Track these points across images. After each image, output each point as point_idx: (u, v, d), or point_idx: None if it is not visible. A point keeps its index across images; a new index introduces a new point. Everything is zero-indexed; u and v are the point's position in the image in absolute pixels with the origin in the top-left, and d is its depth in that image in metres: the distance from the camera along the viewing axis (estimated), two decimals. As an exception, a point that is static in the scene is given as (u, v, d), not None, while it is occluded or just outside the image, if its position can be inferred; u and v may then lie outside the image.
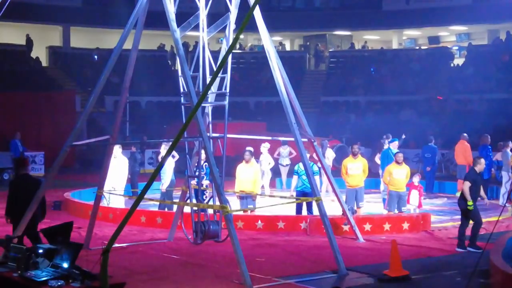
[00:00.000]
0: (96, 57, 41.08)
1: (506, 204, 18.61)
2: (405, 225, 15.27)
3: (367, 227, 14.96)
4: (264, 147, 20.91)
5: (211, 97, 12.55)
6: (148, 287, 10.62)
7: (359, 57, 44.74)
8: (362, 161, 16.67)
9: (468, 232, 13.43)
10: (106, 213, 16.61)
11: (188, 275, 11.28)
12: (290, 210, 16.34)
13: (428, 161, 22.49)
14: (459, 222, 13.72)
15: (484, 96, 34.98)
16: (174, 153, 17.09)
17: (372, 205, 19.10)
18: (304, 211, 16.22)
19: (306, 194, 15.54)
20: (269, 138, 21.09)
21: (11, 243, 8.60)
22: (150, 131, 31.93)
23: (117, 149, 16.72)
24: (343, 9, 45.04)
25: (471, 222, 13.45)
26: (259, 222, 15.46)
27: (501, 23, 39.93)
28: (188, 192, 12.77)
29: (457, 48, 44.85)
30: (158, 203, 16.99)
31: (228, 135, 12.36)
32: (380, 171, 19.35)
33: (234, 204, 14.87)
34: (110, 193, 16.48)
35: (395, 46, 46.84)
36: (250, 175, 15.83)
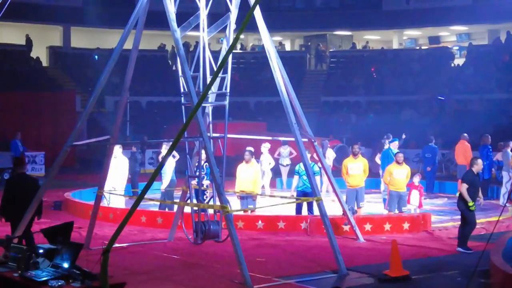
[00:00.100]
0: (96, 57, 41.08)
1: (507, 204, 18.62)
2: (406, 225, 15.27)
3: (368, 227, 14.96)
4: (265, 147, 20.90)
5: (211, 97, 12.55)
6: (149, 287, 10.62)
7: (360, 57, 44.74)
8: (362, 161, 16.67)
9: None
10: (106, 213, 16.61)
11: (189, 275, 11.28)
12: (290, 210, 16.34)
13: (429, 161, 22.49)
14: (459, 222, 13.70)
15: (485, 96, 34.98)
16: (174, 153, 17.09)
17: (373, 205, 19.10)
18: (305, 211, 16.22)
19: (307, 194, 15.53)
20: (270, 138, 21.09)
21: (11, 243, 8.60)
22: (151, 131, 31.93)
23: (117, 149, 16.72)
24: (343, 9, 45.05)
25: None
26: (260, 222, 15.46)
27: (501, 23, 39.92)
28: (188, 192, 12.77)
29: (457, 48, 44.86)
30: (158, 203, 17.00)
31: (229, 135, 12.36)
32: (381, 171, 19.35)
33: (234, 204, 14.87)
34: (111, 193, 16.48)
35: (395, 46, 46.85)
36: (251, 175, 15.83)
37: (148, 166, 29.31)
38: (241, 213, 15.32)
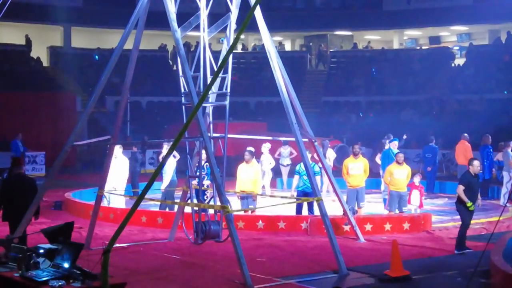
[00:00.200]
0: (97, 57, 41.10)
1: (507, 204, 18.62)
2: (406, 225, 15.27)
3: (368, 227, 14.96)
4: (265, 147, 20.90)
5: (212, 97, 12.55)
6: (149, 287, 10.63)
7: (360, 57, 44.73)
8: (363, 161, 16.67)
9: (468, 232, 13.41)
10: (107, 213, 16.61)
11: (189, 275, 11.29)
12: (291, 210, 16.34)
13: (429, 161, 22.48)
14: (460, 223, 13.69)
15: (485, 96, 34.98)
16: (175, 153, 17.09)
17: (373, 205, 19.10)
18: (305, 211, 16.22)
19: (307, 194, 15.53)
20: (270, 138, 21.09)
21: (11, 243, 8.60)
22: (151, 131, 31.94)
23: (117, 149, 16.72)
24: (343, 9, 45.05)
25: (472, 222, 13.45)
26: (260, 222, 15.46)
27: (502, 23, 39.92)
28: (189, 192, 12.77)
29: (458, 48, 44.86)
30: (158, 203, 17.00)
31: (229, 135, 12.36)
32: (381, 171, 19.36)
33: (235, 204, 14.87)
34: (111, 193, 16.48)
35: (396, 46, 46.85)
36: (251, 175, 15.82)
37: (148, 166, 29.32)
38: (242, 213, 15.32)
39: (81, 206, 17.85)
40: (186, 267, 11.88)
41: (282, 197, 15.73)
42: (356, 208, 16.29)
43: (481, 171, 19.94)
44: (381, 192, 19.62)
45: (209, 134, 11.98)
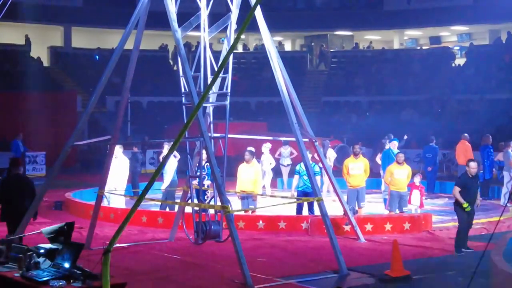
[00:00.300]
0: (97, 57, 41.11)
1: (508, 204, 18.61)
2: (406, 225, 15.27)
3: (368, 227, 14.96)
4: (265, 147, 20.90)
5: (212, 97, 12.55)
6: (149, 287, 10.63)
7: (360, 57, 44.74)
8: (363, 161, 16.67)
9: (469, 232, 13.42)
10: (107, 213, 16.62)
11: (189, 275, 11.29)
12: (291, 210, 16.34)
13: (429, 161, 22.48)
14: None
15: (485, 96, 34.97)
16: (175, 153, 17.09)
17: (373, 205, 19.10)
18: (305, 211, 16.22)
19: (307, 194, 15.54)
20: (270, 138, 21.10)
21: (12, 243, 8.60)
22: (151, 131, 31.94)
23: (118, 149, 16.72)
24: (344, 9, 45.03)
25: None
26: (260, 222, 15.46)
27: (502, 23, 39.90)
28: (189, 192, 12.77)
29: (458, 48, 44.84)
30: (159, 203, 17.00)
31: (229, 135, 12.37)
32: (381, 171, 19.35)
33: (235, 204, 14.87)
34: (111, 193, 16.48)
35: (396, 46, 46.84)
36: (251, 175, 15.82)
37: (149, 166, 29.34)
38: (242, 213, 15.32)
39: (81, 206, 17.85)
40: (187, 267, 11.88)
41: (282, 197, 15.73)
42: (356, 208, 16.29)
43: (481, 171, 20.00)
44: (382, 192, 19.61)
45: (209, 134, 11.98)
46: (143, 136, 28.96)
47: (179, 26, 11.92)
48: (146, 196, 8.23)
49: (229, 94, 12.32)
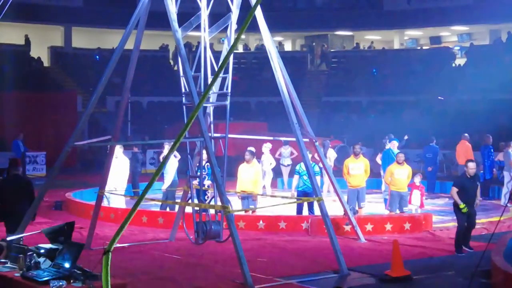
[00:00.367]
0: (97, 57, 41.11)
1: (508, 204, 18.60)
2: (407, 225, 15.27)
3: (369, 227, 14.96)
4: (266, 147, 20.89)
5: (212, 97, 12.55)
6: (150, 287, 10.63)
7: (361, 57, 44.73)
8: (363, 161, 16.67)
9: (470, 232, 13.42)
10: (107, 213, 16.62)
11: (190, 275, 11.29)
12: (291, 210, 16.34)
13: (430, 161, 22.48)
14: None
15: (486, 96, 34.95)
16: (175, 153, 17.09)
17: (374, 205, 19.10)
18: (305, 211, 16.22)
19: (307, 194, 15.54)
20: (271, 138, 21.08)
21: (12, 243, 8.61)
22: (152, 131, 31.94)
23: (118, 149, 16.71)
24: (344, 9, 45.02)
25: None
26: (261, 222, 15.46)
27: (502, 23, 39.89)
28: (189, 192, 12.77)
29: (458, 48, 44.81)
30: (159, 203, 17.00)
31: (230, 135, 12.36)
32: (382, 171, 19.35)
33: (235, 204, 14.87)
34: (112, 193, 16.48)
35: (396, 46, 46.84)
36: (251, 175, 15.82)
37: (149, 166, 29.34)
38: (242, 213, 15.32)
39: (81, 206, 17.85)
40: (187, 267, 11.88)
41: (282, 197, 15.73)
42: (356, 208, 16.30)
43: (481, 171, 20.01)
44: (382, 192, 19.61)
45: (209, 134, 11.98)
46: (143, 136, 28.95)
47: (179, 26, 11.91)
48: (146, 196, 8.23)
49: (230, 94, 12.31)
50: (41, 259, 7.97)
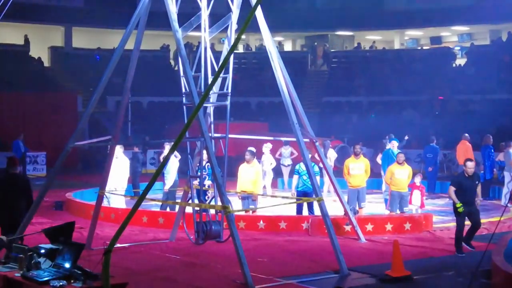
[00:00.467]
0: (98, 57, 41.11)
1: (508, 204, 18.60)
2: (407, 226, 15.27)
3: (369, 227, 14.95)
4: (266, 147, 20.89)
5: (213, 97, 12.55)
6: (150, 287, 10.63)
7: (361, 57, 44.72)
8: (364, 162, 16.67)
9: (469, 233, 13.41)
10: (108, 213, 16.62)
11: (190, 275, 11.29)
12: (291, 210, 16.34)
13: (430, 161, 22.47)
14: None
15: (486, 96, 34.96)
16: (176, 153, 17.10)
17: (374, 206, 19.10)
18: (305, 211, 16.22)
19: (307, 194, 15.55)
20: (271, 138, 21.09)
21: (13, 243, 8.61)
22: (152, 132, 31.93)
23: (118, 150, 16.72)
24: (345, 10, 44.99)
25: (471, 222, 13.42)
26: (261, 222, 15.46)
27: (503, 23, 39.90)
28: (190, 192, 12.77)
29: (459, 48, 44.81)
30: (159, 203, 17.00)
31: (230, 136, 12.36)
32: (382, 172, 19.35)
33: (236, 204, 14.87)
34: (112, 193, 16.49)
35: (397, 46, 46.83)
36: (252, 175, 15.82)
37: (149, 166, 29.34)
38: (243, 213, 15.33)
39: (82, 206, 17.85)
40: (187, 267, 11.89)
41: (283, 197, 15.73)
42: (357, 208, 16.29)
43: (482, 172, 20.01)
44: (382, 192, 19.61)
45: (210, 134, 11.98)
46: (144, 136, 28.95)
47: (179, 26, 11.91)
48: (147, 196, 8.23)
49: (230, 94, 12.31)
50: (42, 259, 7.97)
